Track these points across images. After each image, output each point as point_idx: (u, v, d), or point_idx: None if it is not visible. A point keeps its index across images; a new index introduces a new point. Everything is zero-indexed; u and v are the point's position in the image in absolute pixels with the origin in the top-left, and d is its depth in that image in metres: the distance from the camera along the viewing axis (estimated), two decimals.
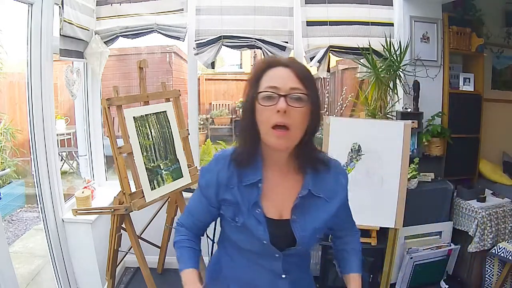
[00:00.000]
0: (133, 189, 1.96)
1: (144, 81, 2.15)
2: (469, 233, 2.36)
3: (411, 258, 2.37)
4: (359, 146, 2.07)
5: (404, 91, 2.50)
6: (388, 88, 2.39)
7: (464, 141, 2.57)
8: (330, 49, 2.52)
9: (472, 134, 2.62)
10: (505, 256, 2.20)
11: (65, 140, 4.35)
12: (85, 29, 2.39)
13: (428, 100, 2.48)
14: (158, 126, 2.11)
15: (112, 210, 2.03)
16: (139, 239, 2.10)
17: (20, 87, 3.58)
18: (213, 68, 2.71)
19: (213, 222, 1.08)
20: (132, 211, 1.94)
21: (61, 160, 4.13)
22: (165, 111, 2.18)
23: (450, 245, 2.46)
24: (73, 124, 3.90)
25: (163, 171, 2.07)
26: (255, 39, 2.49)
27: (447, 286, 2.48)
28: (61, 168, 3.01)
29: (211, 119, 7.06)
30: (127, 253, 2.30)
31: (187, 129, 2.29)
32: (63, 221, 2.19)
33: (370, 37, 2.49)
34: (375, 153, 2.06)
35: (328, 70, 2.59)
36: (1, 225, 1.65)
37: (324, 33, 2.54)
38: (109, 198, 2.37)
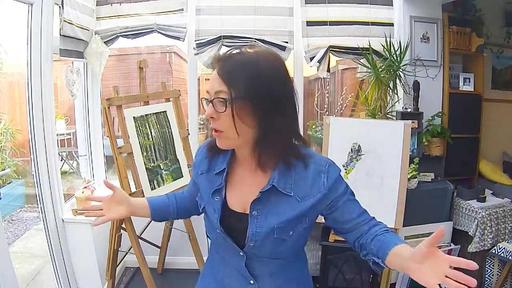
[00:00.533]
0: (133, 189, 1.96)
1: (144, 81, 2.15)
2: (469, 233, 2.36)
3: None
4: (359, 146, 2.07)
5: (404, 91, 2.50)
6: (388, 88, 2.39)
7: (464, 141, 2.57)
8: (330, 49, 2.52)
9: (472, 134, 2.62)
10: (505, 256, 2.20)
11: (65, 140, 4.35)
12: (85, 29, 2.39)
13: (428, 100, 2.48)
14: (158, 126, 2.11)
15: None
16: (139, 239, 2.10)
17: (20, 87, 3.58)
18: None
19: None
20: None
21: (61, 160, 4.13)
22: (165, 111, 2.18)
23: (450, 245, 2.46)
24: (73, 124, 3.90)
25: (163, 171, 2.07)
26: (255, 39, 2.49)
27: (447, 286, 2.47)
28: (61, 168, 3.01)
29: None
30: (127, 253, 2.30)
31: (187, 129, 2.30)
32: (63, 221, 2.19)
33: (370, 37, 2.50)
34: (375, 153, 2.06)
35: (328, 70, 2.58)
36: (1, 225, 1.65)
37: (324, 33, 2.54)
38: None
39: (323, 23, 2.54)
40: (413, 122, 2.30)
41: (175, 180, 2.12)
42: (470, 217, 2.37)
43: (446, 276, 0.71)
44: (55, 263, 2.17)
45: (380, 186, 2.04)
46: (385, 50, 2.41)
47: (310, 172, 0.89)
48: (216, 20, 2.51)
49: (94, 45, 2.43)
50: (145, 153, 2.00)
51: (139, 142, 1.98)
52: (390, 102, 2.49)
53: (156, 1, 2.50)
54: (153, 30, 2.48)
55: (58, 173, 2.19)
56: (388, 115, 2.45)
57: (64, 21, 2.15)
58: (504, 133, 2.84)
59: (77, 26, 2.28)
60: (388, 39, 2.39)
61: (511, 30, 2.74)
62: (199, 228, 2.36)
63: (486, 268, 2.36)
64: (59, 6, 2.13)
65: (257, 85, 0.80)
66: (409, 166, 2.17)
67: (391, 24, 2.57)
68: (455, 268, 0.74)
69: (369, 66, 2.38)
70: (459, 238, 2.48)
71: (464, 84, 2.63)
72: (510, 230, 2.37)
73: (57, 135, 2.61)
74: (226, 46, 2.52)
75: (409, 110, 2.45)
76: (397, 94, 2.44)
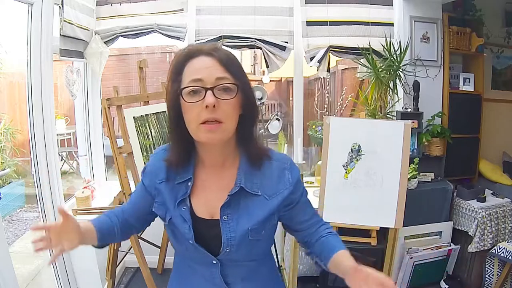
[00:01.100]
0: (133, 189, 1.96)
1: (144, 81, 2.15)
2: (469, 233, 2.36)
3: (411, 258, 2.37)
4: (359, 146, 2.07)
5: (404, 91, 2.50)
6: (388, 88, 2.39)
7: (464, 141, 2.57)
8: (330, 49, 2.52)
9: (472, 134, 2.62)
10: (505, 256, 2.20)
11: (65, 140, 4.35)
12: (85, 29, 2.39)
13: (428, 100, 2.48)
14: (158, 126, 2.11)
15: None
16: (139, 239, 2.10)
17: (20, 87, 3.58)
18: None
19: None
20: None
21: (61, 160, 4.13)
22: (165, 111, 2.17)
23: (450, 245, 2.46)
24: (73, 124, 3.89)
25: None
26: (255, 39, 2.50)
27: (447, 286, 2.48)
28: (61, 168, 3.01)
29: None
30: (127, 253, 2.30)
31: None
32: None
33: (370, 37, 2.50)
34: (375, 153, 2.05)
35: (328, 70, 2.59)
36: (1, 225, 1.64)
37: (324, 33, 2.54)
38: (109, 198, 2.37)
39: (323, 23, 2.54)
40: (413, 122, 2.30)
41: None
42: (470, 217, 2.37)
43: None
44: (55, 263, 2.17)
45: (380, 186, 2.04)
46: (385, 50, 2.41)
47: (274, 170, 0.88)
48: (216, 20, 2.51)
49: (94, 45, 2.43)
50: (145, 153, 1.99)
51: (139, 142, 1.98)
52: (390, 102, 2.49)
53: (156, 1, 2.50)
54: (153, 30, 2.48)
55: (58, 173, 2.19)
56: (388, 115, 2.45)
57: (64, 21, 2.15)
58: (504, 133, 2.84)
59: (77, 26, 2.28)
60: (388, 39, 2.39)
61: (511, 30, 2.74)
62: None
63: (486, 268, 2.36)
64: (59, 6, 2.13)
65: (246, 78, 0.82)
66: (409, 166, 2.17)
67: (391, 24, 2.57)
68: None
69: (369, 66, 2.38)
70: (459, 238, 2.48)
71: (464, 84, 2.63)
72: (510, 230, 2.37)
73: (57, 135, 2.61)
74: (226, 46, 2.52)
75: (409, 110, 2.44)
76: (397, 94, 2.44)
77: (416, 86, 2.42)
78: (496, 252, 2.24)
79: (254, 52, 7.47)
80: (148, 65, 2.17)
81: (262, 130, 3.02)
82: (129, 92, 4.00)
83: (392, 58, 2.36)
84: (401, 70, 2.38)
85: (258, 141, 0.88)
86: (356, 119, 2.55)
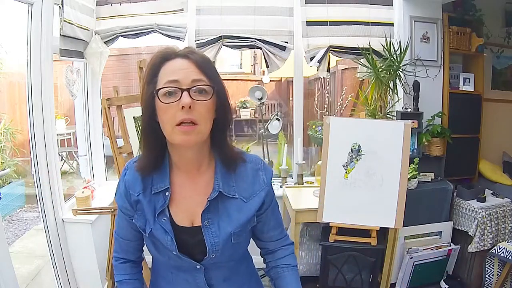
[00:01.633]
0: None
1: None
2: (469, 233, 2.36)
3: (411, 258, 2.37)
4: (359, 146, 2.07)
5: (404, 91, 2.50)
6: (388, 88, 2.39)
7: (464, 141, 2.57)
8: (330, 49, 2.52)
9: (472, 134, 2.62)
10: (505, 256, 2.20)
11: (65, 140, 4.34)
12: (85, 29, 2.39)
13: (428, 100, 2.48)
14: None
15: (112, 210, 2.03)
16: None
17: (20, 87, 3.58)
18: None
19: None
20: None
21: (61, 160, 4.12)
22: None
23: (450, 245, 2.46)
24: (73, 124, 3.89)
25: None
26: (255, 39, 2.50)
27: (447, 286, 2.48)
28: (61, 168, 3.01)
29: None
30: None
31: None
32: (63, 221, 2.19)
33: (370, 37, 2.50)
34: (375, 153, 2.06)
35: (328, 70, 2.59)
36: (1, 225, 1.65)
37: (324, 33, 2.54)
38: (109, 198, 2.37)
39: (323, 23, 2.54)
40: (413, 122, 2.30)
41: None
42: (470, 217, 2.37)
43: None
44: (55, 263, 2.17)
45: (380, 186, 2.04)
46: (385, 50, 2.41)
47: (249, 171, 0.89)
48: (216, 20, 2.51)
49: (94, 45, 2.43)
50: None
51: (139, 142, 1.98)
52: (390, 102, 2.49)
53: (156, 1, 2.50)
54: (153, 30, 2.48)
55: (58, 173, 2.19)
56: (388, 115, 2.45)
57: (64, 21, 2.15)
58: (504, 133, 2.84)
59: (77, 26, 2.28)
60: (388, 39, 2.39)
61: (511, 30, 2.74)
62: None
63: (486, 268, 2.36)
64: (59, 6, 2.12)
65: (221, 81, 0.83)
66: (409, 166, 2.17)
67: (391, 24, 2.57)
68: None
69: (369, 66, 2.38)
70: (459, 238, 2.48)
71: (464, 84, 2.63)
72: (510, 230, 2.37)
73: (57, 135, 2.61)
74: (226, 46, 2.52)
75: (409, 110, 2.45)
76: (397, 94, 2.44)
77: (416, 86, 2.42)
78: (496, 252, 2.25)
79: (254, 52, 7.47)
80: None
81: (262, 130, 3.02)
82: (129, 92, 4.00)
83: (392, 58, 2.36)
84: (401, 70, 2.38)
85: (231, 144, 0.88)
86: (356, 119, 2.56)
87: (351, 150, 2.07)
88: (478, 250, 2.32)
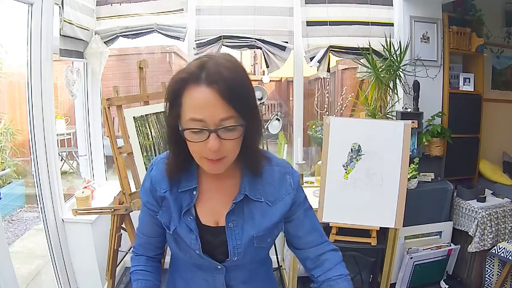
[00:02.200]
0: (133, 189, 1.96)
1: (144, 81, 2.15)
2: (469, 233, 2.36)
3: (411, 258, 2.37)
4: (359, 146, 2.07)
5: (404, 91, 2.50)
6: (388, 88, 2.39)
7: (464, 141, 2.57)
8: (330, 49, 2.52)
9: (472, 134, 2.62)
10: (505, 256, 2.20)
11: (65, 140, 4.35)
12: (85, 29, 2.39)
13: (428, 100, 2.48)
14: (158, 126, 2.11)
15: (112, 210, 2.03)
16: None
17: (20, 87, 3.58)
18: None
19: None
20: (132, 211, 1.94)
21: (61, 160, 4.12)
22: (165, 111, 2.17)
23: (450, 245, 2.46)
24: (73, 124, 3.89)
25: None
26: (255, 39, 2.49)
27: (447, 286, 2.48)
28: (61, 168, 3.01)
29: None
30: (127, 253, 2.30)
31: None
32: (63, 221, 2.19)
33: (370, 37, 2.50)
34: (375, 153, 2.05)
35: (328, 70, 2.59)
36: (1, 225, 1.65)
37: (324, 33, 2.54)
38: (109, 198, 2.37)
39: (323, 23, 2.54)
40: (413, 122, 2.30)
41: None
42: (470, 217, 2.37)
43: None
44: (55, 263, 2.17)
45: (380, 186, 2.04)
46: (385, 50, 2.41)
47: (276, 174, 0.87)
48: (216, 20, 2.51)
49: (94, 45, 2.43)
50: (145, 153, 1.99)
51: (139, 142, 1.98)
52: (390, 102, 2.49)
53: (156, 1, 2.50)
54: (153, 30, 2.48)
55: (58, 173, 2.19)
56: (388, 115, 2.45)
57: (64, 21, 2.15)
58: (504, 133, 2.84)
59: (77, 26, 2.28)
60: (388, 39, 2.39)
61: (511, 30, 2.74)
62: None
63: (486, 268, 2.36)
64: (59, 6, 2.13)
65: (251, 99, 0.75)
66: (409, 166, 2.17)
67: (391, 24, 2.57)
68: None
69: (369, 66, 2.38)
70: (459, 238, 2.48)
71: (464, 84, 2.63)
72: (510, 230, 2.37)
73: (57, 135, 2.61)
74: (226, 46, 2.52)
75: (409, 110, 2.45)
76: (397, 94, 2.44)
77: (416, 86, 2.42)
78: (496, 252, 2.25)
79: (254, 52, 7.47)
80: (148, 65, 2.17)
81: (262, 131, 3.01)
82: (129, 92, 3.99)
83: (392, 58, 2.36)
84: (401, 70, 2.38)
85: (259, 149, 0.85)
86: (356, 119, 2.55)
87: (351, 150, 2.07)
88: (478, 250, 2.32)
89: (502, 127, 2.82)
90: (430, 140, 2.47)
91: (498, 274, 2.33)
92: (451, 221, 2.49)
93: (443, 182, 2.49)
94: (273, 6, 2.53)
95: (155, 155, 2.05)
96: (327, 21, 2.54)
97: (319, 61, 2.49)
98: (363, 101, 2.55)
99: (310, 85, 4.35)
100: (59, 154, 2.33)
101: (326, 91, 3.99)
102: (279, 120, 3.01)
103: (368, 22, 2.55)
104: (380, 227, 2.10)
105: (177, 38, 2.49)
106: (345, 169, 2.07)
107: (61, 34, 2.15)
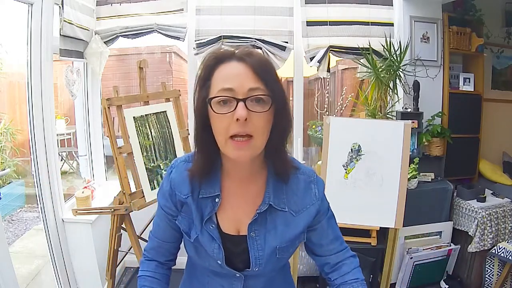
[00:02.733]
0: (133, 189, 1.96)
1: (144, 81, 2.15)
2: (469, 233, 2.36)
3: (411, 258, 2.37)
4: (359, 146, 2.07)
5: (404, 91, 2.50)
6: (388, 88, 2.39)
7: (464, 141, 2.57)
8: (330, 49, 2.52)
9: (472, 134, 2.62)
10: (505, 256, 2.20)
11: (65, 140, 4.35)
12: (85, 29, 2.39)
13: (428, 100, 2.48)
14: (158, 126, 2.11)
15: (112, 210, 2.03)
16: (139, 239, 2.10)
17: (20, 87, 3.57)
18: None
19: None
20: (132, 211, 1.94)
21: (61, 160, 4.12)
22: (165, 111, 2.18)
23: (450, 245, 2.46)
24: (73, 124, 3.89)
25: (163, 171, 2.07)
26: (255, 39, 2.49)
27: (447, 286, 2.48)
28: (61, 168, 3.01)
29: None
30: (127, 253, 2.30)
31: (187, 129, 2.29)
32: (63, 221, 2.19)
33: (370, 37, 2.50)
34: (375, 153, 2.06)
35: (328, 70, 2.59)
36: (1, 225, 1.65)
37: (324, 33, 2.54)
38: (109, 198, 2.37)
39: (323, 23, 2.54)
40: (413, 122, 2.30)
41: None
42: (470, 217, 2.37)
43: None
44: (55, 263, 2.17)
45: (380, 186, 2.04)
46: (385, 50, 2.41)
47: (301, 183, 0.84)
48: (216, 20, 2.51)
49: (94, 45, 2.43)
50: (145, 153, 1.99)
51: (139, 142, 1.98)
52: (390, 102, 2.49)
53: (156, 1, 2.50)
54: (153, 30, 2.48)
55: (58, 173, 2.19)
56: (388, 115, 2.45)
57: (64, 21, 2.15)
58: (504, 133, 2.84)
59: (77, 26, 2.28)
60: (388, 39, 2.39)
61: (511, 30, 2.74)
62: None
63: (486, 268, 2.36)
64: (59, 6, 2.13)
65: (279, 80, 0.75)
66: (409, 166, 2.17)
67: (391, 24, 2.57)
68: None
69: (369, 66, 2.38)
70: (459, 238, 2.48)
71: (464, 84, 2.63)
72: (510, 230, 2.37)
73: (57, 135, 2.61)
74: (226, 46, 2.51)
75: (409, 110, 2.45)
76: (397, 94, 2.44)
77: (416, 86, 2.43)
78: (496, 252, 2.24)
79: None
80: (148, 65, 2.17)
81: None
82: (129, 92, 3.99)
83: (392, 58, 2.36)
84: (401, 70, 2.38)
85: (287, 153, 0.82)
86: (356, 119, 2.55)
87: (351, 150, 2.07)
88: (478, 250, 2.32)
89: (502, 127, 2.82)
90: (430, 140, 2.47)
91: (498, 274, 2.33)
92: (451, 221, 2.49)
93: (443, 182, 2.49)
94: (273, 6, 2.53)
95: (155, 155, 2.05)
96: (327, 21, 2.54)
97: (319, 61, 2.49)
98: (363, 101, 2.55)
99: (310, 85, 4.34)
100: (59, 154, 2.32)
101: (326, 91, 3.99)
102: None
103: (368, 22, 2.55)
104: (380, 227, 2.10)
105: (177, 38, 2.49)
106: (345, 169, 2.08)
107: (61, 34, 2.15)
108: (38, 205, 2.14)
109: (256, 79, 0.71)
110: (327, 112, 3.78)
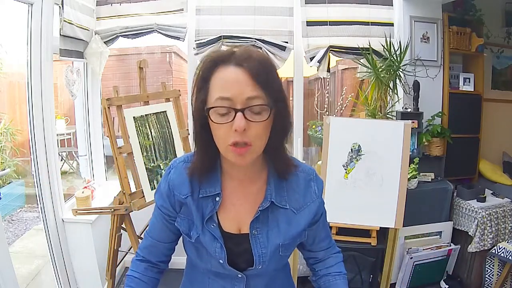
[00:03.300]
0: (133, 189, 1.96)
1: (144, 81, 2.15)
2: (469, 233, 2.36)
3: (411, 258, 2.37)
4: (359, 146, 2.07)
5: (404, 91, 2.50)
6: (388, 88, 2.39)
7: (464, 141, 2.57)
8: (330, 49, 2.52)
9: (472, 134, 2.62)
10: (505, 256, 2.20)
11: (65, 140, 4.35)
12: (85, 29, 2.39)
13: (428, 100, 2.48)
14: (158, 126, 2.11)
15: (112, 210, 2.03)
16: (139, 239, 2.10)
17: (20, 87, 3.57)
18: None
19: None
20: (132, 211, 1.94)
21: (61, 160, 4.12)
22: (165, 111, 2.18)
23: (450, 245, 2.46)
24: (73, 124, 3.89)
25: (163, 171, 2.07)
26: (255, 39, 2.49)
27: (447, 286, 2.48)
28: (61, 168, 3.01)
29: None
30: (127, 253, 2.30)
31: (187, 129, 2.29)
32: (63, 221, 2.19)
33: (370, 37, 2.50)
34: (375, 153, 2.06)
35: (328, 70, 2.59)
36: (1, 225, 1.64)
37: (324, 33, 2.54)
38: (109, 198, 2.37)
39: (323, 23, 2.54)
40: (413, 122, 2.30)
41: None
42: (470, 217, 2.37)
43: None
44: (55, 263, 2.17)
45: (380, 186, 2.04)
46: (385, 50, 2.41)
47: (301, 181, 0.85)
48: (216, 20, 2.51)
49: (94, 45, 2.43)
50: (145, 153, 1.99)
51: (139, 142, 1.98)
52: (390, 102, 2.49)
53: (156, 1, 2.50)
54: (153, 30, 2.48)
55: (58, 173, 2.19)
56: (388, 115, 2.45)
57: (64, 21, 2.15)
58: (504, 133, 2.84)
59: (77, 26, 2.28)
60: (388, 39, 2.39)
61: (511, 30, 2.74)
62: None
63: (486, 268, 2.36)
64: (59, 6, 2.13)
65: (278, 84, 0.74)
66: (409, 166, 2.17)
67: (391, 24, 2.57)
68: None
69: (369, 66, 2.38)
70: (459, 238, 2.48)
71: (464, 84, 2.63)
72: (510, 230, 2.37)
73: (57, 135, 2.61)
74: (226, 46, 2.52)
75: (409, 110, 2.45)
76: (397, 94, 2.44)
77: (416, 86, 2.43)
78: (496, 252, 2.25)
79: None
80: (148, 65, 2.17)
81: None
82: (129, 92, 3.99)
83: (392, 58, 2.36)
84: (401, 70, 2.38)
85: (287, 152, 0.83)
86: (356, 119, 2.55)
87: (351, 150, 2.07)
88: (478, 250, 2.32)
89: (502, 127, 2.82)
90: (430, 140, 2.47)
91: (498, 274, 2.33)
92: (451, 221, 2.49)
93: (443, 182, 2.49)
94: (273, 6, 2.53)
95: (155, 155, 2.05)
96: (327, 21, 2.54)
97: (319, 61, 2.49)
98: (363, 101, 2.55)
99: (310, 85, 4.34)
100: (59, 154, 2.32)
101: (326, 91, 3.99)
102: None
103: (368, 22, 2.55)
104: (380, 227, 2.10)
105: (177, 38, 2.49)
106: (345, 169, 2.08)
107: (61, 34, 2.15)
108: (38, 205, 2.14)
109: (255, 86, 0.69)
110: (327, 112, 3.77)
